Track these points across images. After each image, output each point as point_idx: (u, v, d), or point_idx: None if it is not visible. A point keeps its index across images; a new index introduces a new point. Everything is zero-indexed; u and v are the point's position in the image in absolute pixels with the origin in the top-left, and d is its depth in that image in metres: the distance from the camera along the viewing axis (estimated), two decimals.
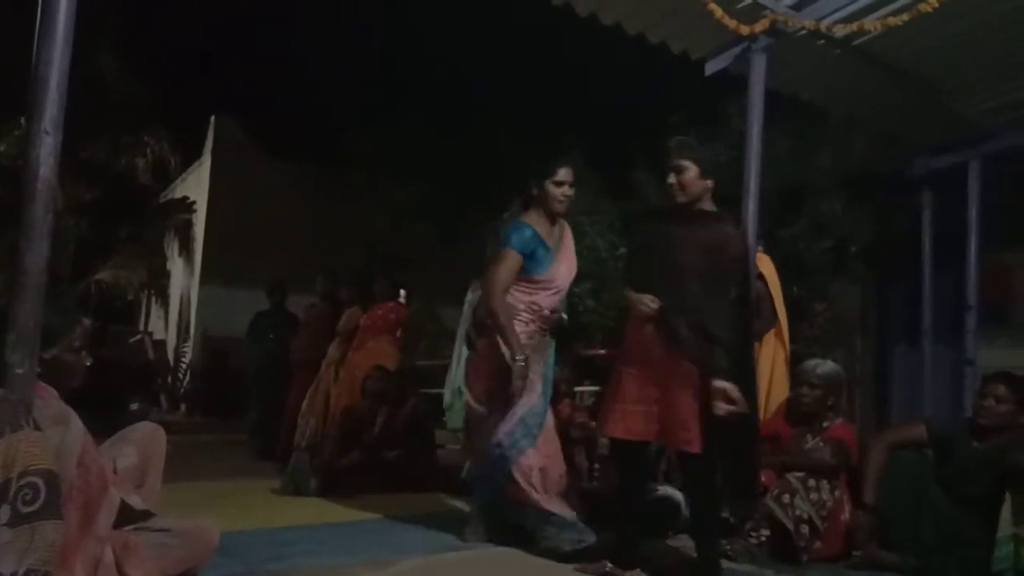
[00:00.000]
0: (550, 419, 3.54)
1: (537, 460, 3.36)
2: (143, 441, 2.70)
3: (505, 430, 3.35)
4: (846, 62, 4.56)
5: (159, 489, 2.73)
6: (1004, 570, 2.85)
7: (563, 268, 3.52)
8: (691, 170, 3.07)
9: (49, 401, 2.25)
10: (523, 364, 3.26)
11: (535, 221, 3.47)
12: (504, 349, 3.30)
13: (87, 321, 2.53)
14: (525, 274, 3.43)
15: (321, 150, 13.93)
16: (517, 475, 3.33)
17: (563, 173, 3.46)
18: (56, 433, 2.14)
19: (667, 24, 4.50)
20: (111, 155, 13.60)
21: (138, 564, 2.28)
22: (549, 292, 3.48)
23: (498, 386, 3.39)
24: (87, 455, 2.25)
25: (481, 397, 3.55)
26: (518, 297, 3.44)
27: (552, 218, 3.50)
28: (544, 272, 3.45)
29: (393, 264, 8.27)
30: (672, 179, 3.10)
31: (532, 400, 3.37)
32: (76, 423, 2.24)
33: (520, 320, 3.41)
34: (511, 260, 3.40)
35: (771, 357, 4.30)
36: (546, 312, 3.49)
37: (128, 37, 13.44)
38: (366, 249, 11.35)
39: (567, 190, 3.46)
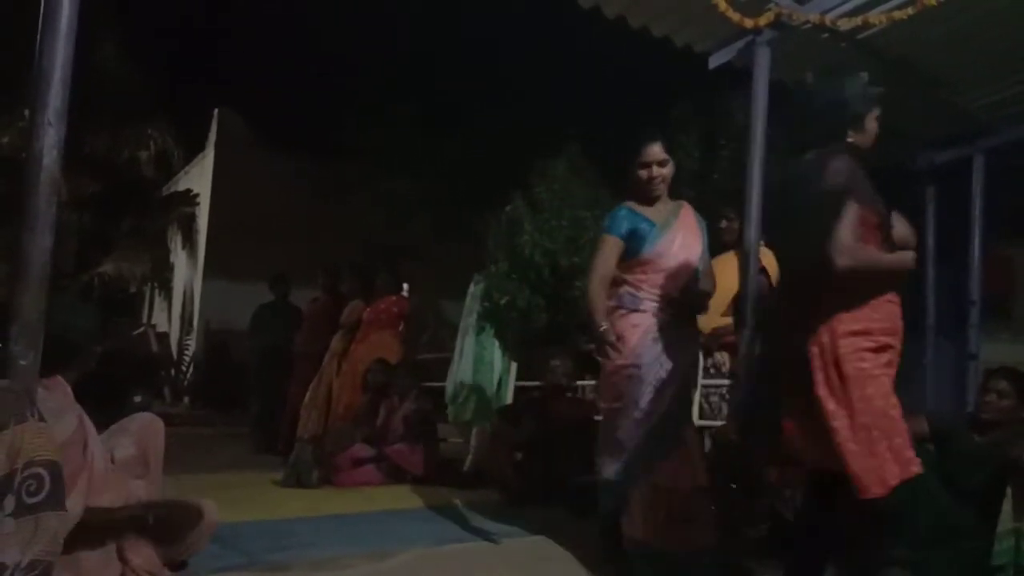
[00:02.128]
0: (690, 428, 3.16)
1: (666, 476, 2.99)
2: (140, 431, 2.71)
3: (635, 442, 3.01)
4: (850, 56, 4.54)
5: (161, 480, 2.73)
6: (1004, 564, 2.85)
7: (676, 244, 3.15)
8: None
9: (54, 393, 2.27)
10: (605, 328, 3.01)
11: (635, 201, 3.23)
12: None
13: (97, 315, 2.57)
14: (632, 255, 3.15)
15: (323, 144, 13.92)
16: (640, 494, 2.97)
17: (647, 153, 3.18)
18: (58, 423, 2.16)
19: (670, 17, 4.48)
20: (114, 148, 13.62)
21: (137, 550, 2.29)
22: (666, 271, 3.13)
23: (626, 388, 3.06)
24: (89, 447, 2.26)
25: (610, 400, 3.16)
26: (636, 283, 3.14)
27: (652, 200, 3.21)
28: (651, 248, 3.13)
29: (395, 257, 8.27)
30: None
31: (665, 406, 3.01)
32: (71, 416, 2.26)
33: (644, 308, 3.10)
34: (606, 245, 3.19)
35: None
36: (674, 294, 3.12)
37: (131, 29, 13.45)
38: (367, 242, 11.36)
39: (655, 169, 3.17)
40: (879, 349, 2.39)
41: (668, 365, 3.03)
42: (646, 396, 3.00)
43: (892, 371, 2.43)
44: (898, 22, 3.88)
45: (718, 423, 4.27)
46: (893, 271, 2.46)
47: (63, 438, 2.21)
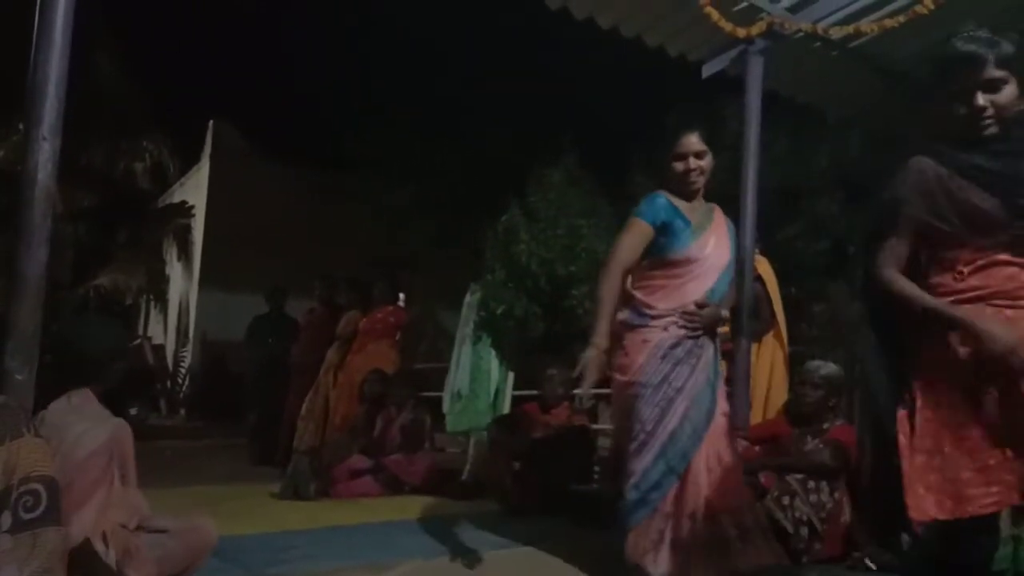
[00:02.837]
0: (713, 450, 2.78)
1: (673, 503, 2.75)
2: (113, 434, 2.71)
3: (643, 465, 2.77)
4: (842, 64, 4.57)
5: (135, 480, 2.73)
6: (1003, 571, 2.85)
7: (708, 249, 2.86)
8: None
9: (89, 404, 2.30)
10: (594, 354, 2.68)
11: (672, 196, 2.93)
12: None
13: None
14: (659, 252, 2.86)
15: (318, 155, 13.94)
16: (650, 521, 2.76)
17: (683, 143, 2.88)
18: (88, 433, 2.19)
19: (664, 27, 4.51)
20: (109, 160, 13.61)
21: (138, 566, 2.28)
22: (689, 278, 2.83)
23: (632, 407, 2.84)
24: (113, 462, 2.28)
25: (617, 418, 3.02)
26: (654, 285, 2.86)
27: (689, 196, 2.92)
28: (683, 249, 2.83)
29: (392, 267, 8.27)
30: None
31: (672, 426, 2.74)
32: (102, 428, 2.28)
33: (654, 324, 2.80)
34: (635, 228, 2.87)
35: (770, 358, 4.31)
36: (690, 304, 2.81)
37: (126, 42, 13.47)
38: (364, 253, 11.36)
39: (693, 161, 2.86)
40: None
41: (677, 384, 2.76)
42: (652, 417, 2.75)
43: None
44: (890, 30, 3.91)
45: None
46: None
47: (92, 447, 2.22)
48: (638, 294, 2.88)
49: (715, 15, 3.99)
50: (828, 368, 3.77)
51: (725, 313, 2.96)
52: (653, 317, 2.82)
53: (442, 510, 4.57)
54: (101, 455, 2.29)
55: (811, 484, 3.43)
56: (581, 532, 3.81)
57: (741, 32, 4.10)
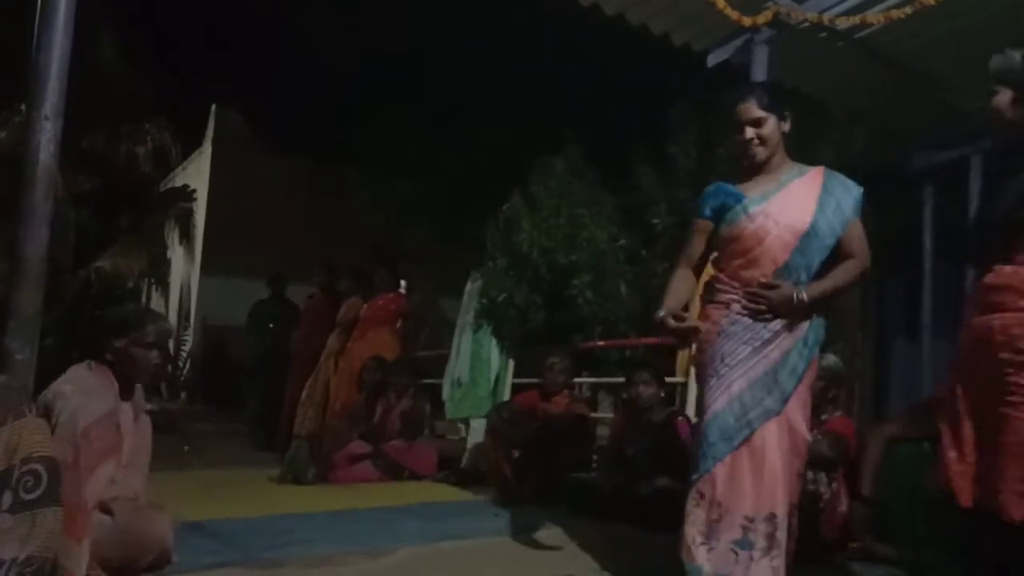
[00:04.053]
0: (760, 439, 2.49)
1: (712, 489, 2.49)
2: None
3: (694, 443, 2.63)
4: (848, 55, 4.56)
5: (147, 466, 2.73)
6: None
7: (767, 221, 2.58)
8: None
9: (98, 376, 2.30)
10: (661, 316, 2.59)
11: (742, 181, 2.71)
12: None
13: (165, 324, 2.63)
14: (719, 234, 2.70)
15: (322, 142, 13.91)
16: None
17: (738, 112, 2.65)
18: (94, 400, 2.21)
19: (669, 15, 4.49)
20: (111, 143, 13.58)
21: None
22: (751, 255, 2.60)
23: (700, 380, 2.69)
24: (92, 430, 2.28)
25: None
26: (723, 265, 2.70)
27: (756, 168, 2.67)
28: (734, 226, 2.64)
29: (393, 255, 8.28)
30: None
31: (718, 406, 2.53)
32: (109, 395, 2.32)
33: (720, 300, 2.63)
34: (694, 227, 2.79)
35: None
36: (753, 284, 2.57)
37: (129, 25, 13.42)
38: (366, 242, 11.36)
39: (748, 131, 2.62)
40: None
41: (732, 362, 2.53)
42: (708, 393, 2.58)
43: None
44: (896, 21, 3.89)
45: None
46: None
47: (98, 414, 2.27)
48: (716, 274, 2.74)
49: (721, 3, 3.98)
50: (828, 360, 3.76)
51: (806, 293, 2.51)
52: (718, 293, 2.66)
53: (440, 497, 4.59)
54: (108, 423, 2.32)
55: (809, 475, 3.44)
56: (579, 521, 3.82)
57: (747, 21, 4.09)
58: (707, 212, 2.72)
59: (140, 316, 2.62)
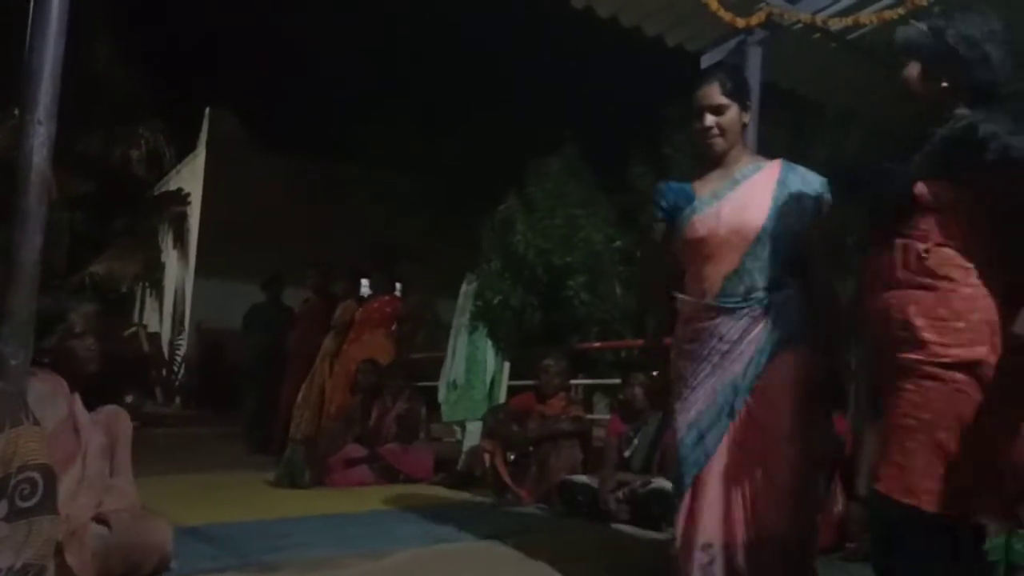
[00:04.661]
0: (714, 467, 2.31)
1: (709, 531, 2.28)
2: (107, 422, 2.70)
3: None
4: (842, 56, 4.56)
5: (130, 466, 2.71)
6: (995, 562, 2.86)
7: (719, 221, 2.38)
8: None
9: (44, 380, 2.28)
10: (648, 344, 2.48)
11: (698, 174, 2.54)
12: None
13: (88, 306, 2.56)
14: (676, 241, 2.50)
15: (318, 145, 13.92)
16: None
17: (696, 98, 2.43)
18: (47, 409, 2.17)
19: (662, 17, 4.49)
20: (105, 147, 13.56)
21: (77, 552, 2.26)
22: (695, 260, 2.44)
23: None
24: (82, 433, 2.27)
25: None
26: (682, 278, 2.51)
27: (715, 161, 2.46)
28: (684, 229, 2.45)
29: (389, 257, 8.27)
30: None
31: (681, 432, 2.39)
32: (61, 401, 2.30)
33: (682, 310, 2.46)
34: (651, 231, 2.58)
35: None
36: (706, 296, 2.39)
37: (124, 27, 13.39)
38: (363, 244, 11.37)
39: (708, 118, 2.40)
40: None
41: (693, 385, 2.37)
42: (677, 415, 2.43)
43: None
44: (889, 22, 3.89)
45: None
46: None
47: (53, 424, 2.23)
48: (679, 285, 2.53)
49: (714, 4, 3.98)
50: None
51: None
52: (681, 307, 2.48)
53: (437, 500, 4.59)
54: (66, 430, 2.30)
55: None
56: (575, 523, 3.82)
57: (740, 22, 4.09)
58: (659, 213, 2.54)
59: (60, 308, 2.54)
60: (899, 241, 1.84)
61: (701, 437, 2.34)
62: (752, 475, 2.26)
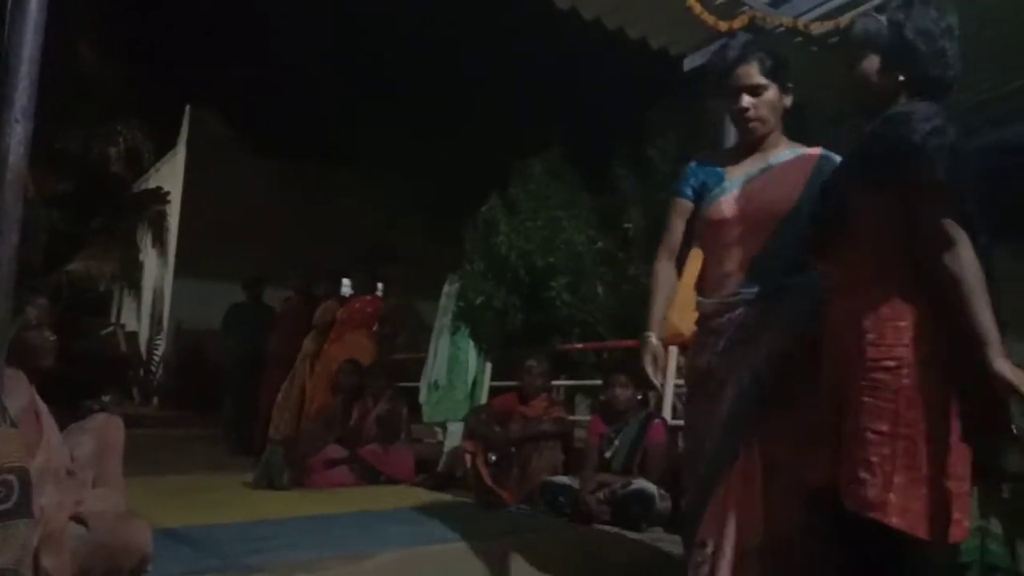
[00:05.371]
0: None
1: (705, 530, 2.17)
2: (99, 429, 2.66)
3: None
4: (823, 60, 4.60)
5: (121, 476, 2.67)
6: (970, 563, 2.89)
7: (738, 204, 2.28)
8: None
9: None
10: (646, 343, 2.31)
11: (725, 153, 2.47)
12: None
13: (43, 299, 2.54)
14: (700, 221, 2.39)
15: (301, 145, 13.83)
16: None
17: (734, 77, 2.29)
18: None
19: (646, 19, 4.51)
20: (83, 144, 13.41)
21: (54, 554, 2.23)
22: (718, 242, 2.32)
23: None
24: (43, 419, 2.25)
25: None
26: (704, 263, 2.41)
27: (752, 145, 2.34)
28: (709, 209, 2.34)
29: (371, 258, 8.25)
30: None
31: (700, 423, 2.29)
32: (23, 392, 2.27)
33: (705, 297, 2.36)
34: (672, 207, 2.45)
35: None
36: (726, 285, 2.28)
37: (105, 24, 13.24)
38: (346, 246, 11.33)
39: (745, 99, 2.27)
40: None
41: (719, 379, 2.22)
42: (692, 419, 2.31)
43: None
44: None
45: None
46: None
47: (16, 412, 2.20)
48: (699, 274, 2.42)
49: (697, 8, 4.00)
50: None
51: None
52: (703, 290, 2.37)
53: (418, 501, 4.57)
54: (28, 419, 2.26)
55: None
56: (556, 524, 3.82)
57: (723, 25, 4.11)
58: (688, 191, 2.41)
59: (16, 301, 2.53)
60: (849, 251, 1.85)
61: (727, 433, 2.17)
62: (769, 477, 2.10)
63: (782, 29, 4.21)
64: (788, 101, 2.33)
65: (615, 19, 4.51)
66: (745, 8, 4.15)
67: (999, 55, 4.43)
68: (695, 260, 4.38)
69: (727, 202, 2.30)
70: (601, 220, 6.16)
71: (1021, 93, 4.34)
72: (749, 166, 2.33)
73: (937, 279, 1.71)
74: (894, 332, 1.75)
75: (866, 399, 1.75)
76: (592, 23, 4.48)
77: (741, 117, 2.29)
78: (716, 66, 2.38)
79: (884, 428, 1.72)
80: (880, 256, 1.81)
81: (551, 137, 6.48)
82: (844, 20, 4.04)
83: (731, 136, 4.16)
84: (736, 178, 2.33)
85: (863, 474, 1.72)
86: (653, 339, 2.31)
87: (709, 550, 2.11)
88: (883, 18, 1.90)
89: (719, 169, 2.38)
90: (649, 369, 2.28)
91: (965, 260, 1.68)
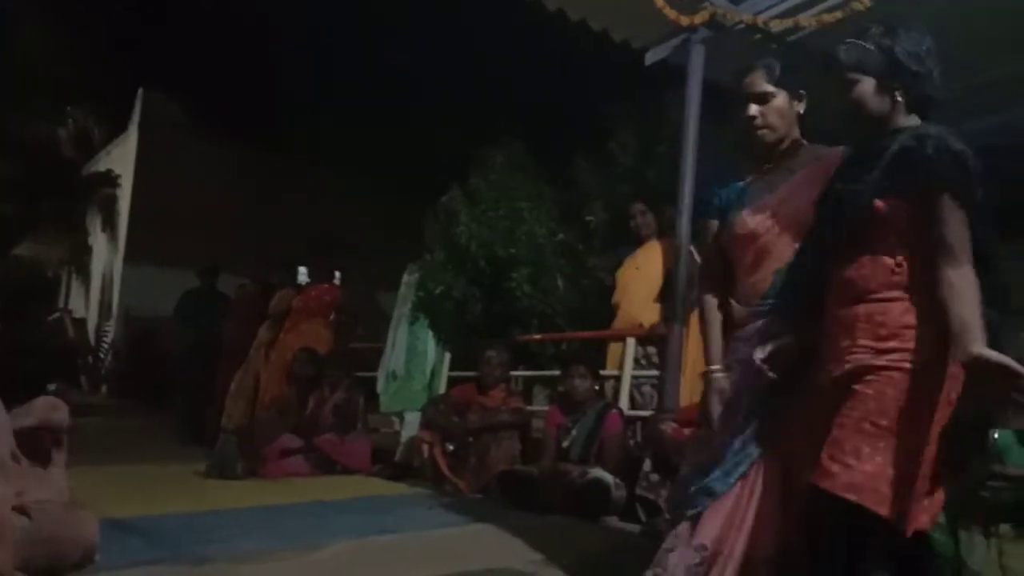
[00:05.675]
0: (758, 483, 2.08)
1: (705, 533, 2.09)
2: (42, 412, 2.59)
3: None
4: (782, 58, 4.65)
5: (64, 462, 2.61)
6: (946, 559, 2.92)
7: (759, 217, 2.24)
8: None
9: None
10: (718, 377, 2.25)
11: (751, 168, 2.39)
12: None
13: None
14: (727, 240, 2.35)
15: (257, 132, 13.56)
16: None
17: (745, 84, 2.28)
18: None
19: (609, 12, 4.53)
20: (32, 126, 13.02)
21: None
22: (744, 260, 2.28)
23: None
24: None
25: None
26: (735, 284, 2.34)
27: (765, 155, 2.31)
28: (732, 226, 2.30)
29: (328, 246, 8.16)
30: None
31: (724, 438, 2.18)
32: None
33: (737, 324, 2.30)
34: (704, 231, 2.44)
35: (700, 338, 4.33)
36: (756, 297, 2.23)
37: (56, 5, 12.85)
38: (302, 235, 11.17)
39: (752, 108, 2.25)
40: None
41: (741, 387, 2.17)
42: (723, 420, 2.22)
43: None
44: (828, 26, 3.99)
45: (647, 413, 4.36)
46: None
47: None
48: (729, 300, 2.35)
49: (659, 2, 4.03)
50: None
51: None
52: (735, 301, 2.32)
53: (374, 491, 4.54)
54: None
55: None
56: (514, 513, 3.83)
57: (684, 20, 4.14)
58: (713, 212, 2.39)
59: None
60: (868, 256, 1.89)
61: (746, 443, 2.12)
62: (780, 486, 2.06)
63: (742, 26, 4.25)
64: (801, 107, 2.30)
65: (578, 11, 4.52)
66: (706, 4, 4.19)
67: (945, 57, 4.53)
68: (656, 254, 4.39)
69: (749, 214, 2.27)
70: (562, 213, 6.15)
71: (994, 87, 4.42)
72: (770, 176, 2.31)
73: (938, 288, 1.78)
74: (907, 334, 1.82)
75: (870, 392, 1.82)
76: (555, 14, 4.48)
77: (750, 126, 2.27)
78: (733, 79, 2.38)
79: (884, 423, 1.78)
80: (907, 264, 1.88)
81: (512, 129, 6.46)
82: (802, 19, 4.10)
83: (691, 132, 4.23)
84: (758, 189, 2.31)
85: (851, 460, 1.77)
86: (720, 378, 2.25)
87: (709, 553, 2.07)
88: (871, 44, 1.95)
89: (740, 184, 2.37)
90: (715, 410, 2.22)
91: (969, 277, 1.76)
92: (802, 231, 2.14)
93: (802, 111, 2.30)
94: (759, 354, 2.05)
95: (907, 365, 1.80)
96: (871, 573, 1.79)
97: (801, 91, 2.30)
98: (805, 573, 1.95)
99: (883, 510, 1.74)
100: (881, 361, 1.82)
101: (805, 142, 2.31)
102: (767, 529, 2.03)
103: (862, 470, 1.76)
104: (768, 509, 2.04)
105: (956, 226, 1.79)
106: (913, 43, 1.94)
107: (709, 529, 2.08)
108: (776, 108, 2.25)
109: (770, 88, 2.25)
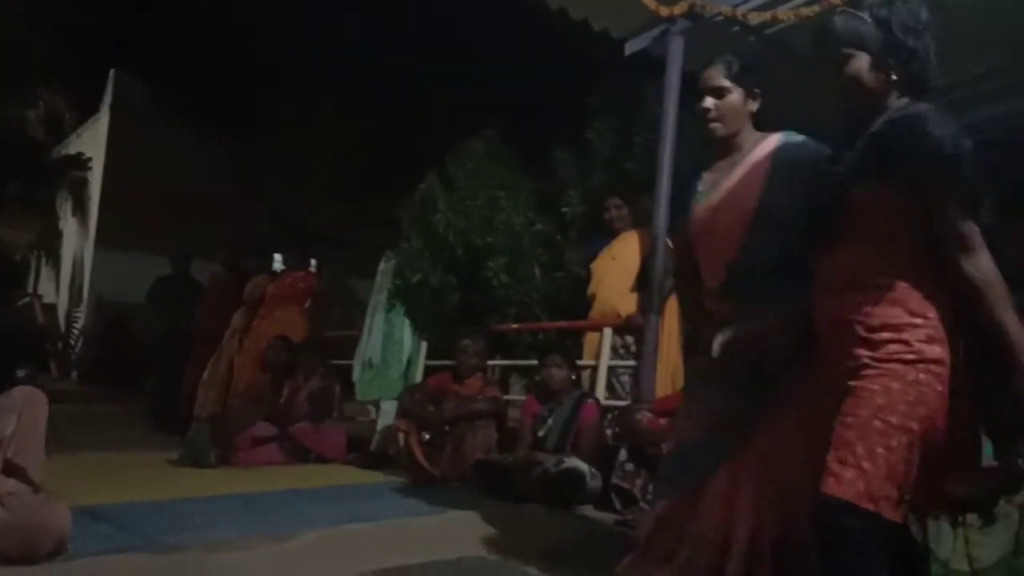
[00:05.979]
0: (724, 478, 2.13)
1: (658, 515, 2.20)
2: (23, 406, 2.55)
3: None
4: (760, 51, 4.68)
5: (42, 453, 2.57)
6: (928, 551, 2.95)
7: (708, 211, 2.29)
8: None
9: None
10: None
11: (709, 163, 2.41)
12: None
13: None
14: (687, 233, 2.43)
15: (233, 118, 13.35)
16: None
17: (703, 76, 2.34)
18: None
19: (589, 1, 4.52)
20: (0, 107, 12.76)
21: None
22: (700, 253, 2.35)
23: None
24: None
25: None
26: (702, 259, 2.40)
27: (723, 148, 2.34)
28: (692, 214, 2.36)
29: (303, 232, 8.10)
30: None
31: (682, 433, 2.27)
32: None
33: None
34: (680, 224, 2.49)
35: (674, 329, 4.35)
36: (712, 288, 2.28)
37: None
38: (277, 221, 11.06)
39: (708, 100, 2.29)
40: None
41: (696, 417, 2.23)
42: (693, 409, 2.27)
43: None
44: (806, 20, 4.00)
45: (623, 403, 4.37)
46: None
47: None
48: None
49: None
50: None
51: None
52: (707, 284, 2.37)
53: (349, 480, 4.53)
54: None
55: None
56: (489, 502, 3.84)
57: (664, 11, 4.14)
58: (680, 208, 2.43)
59: None
60: (853, 245, 1.83)
61: (710, 450, 2.15)
62: (760, 475, 2.09)
63: (720, 17, 4.26)
64: (754, 106, 2.34)
65: (557, 0, 4.50)
66: None
67: (962, 41, 4.55)
68: (633, 244, 4.39)
69: (700, 207, 2.32)
70: (540, 202, 6.13)
71: (984, 79, 4.44)
72: (720, 170, 2.34)
73: (959, 284, 1.73)
74: (912, 328, 1.75)
75: (876, 388, 1.75)
76: (534, 3, 4.46)
77: (703, 117, 2.31)
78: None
79: (894, 420, 1.72)
80: (894, 253, 1.81)
81: (487, 117, 6.43)
82: (780, 12, 4.11)
83: (670, 123, 4.23)
84: (708, 181, 2.35)
85: (865, 464, 1.70)
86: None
87: (706, 538, 2.09)
88: (867, 16, 1.86)
89: (702, 173, 2.39)
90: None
91: (986, 266, 1.70)
92: (747, 223, 2.18)
93: (755, 110, 2.34)
94: (718, 340, 2.08)
95: (908, 356, 1.74)
96: (875, 561, 1.73)
97: (756, 90, 2.33)
98: (809, 560, 1.90)
99: (896, 516, 1.71)
100: (879, 354, 1.76)
101: (754, 133, 2.33)
102: (774, 517, 2.03)
103: (876, 475, 1.70)
104: (764, 495, 2.05)
105: (951, 214, 1.72)
106: (910, 17, 1.85)
107: (712, 517, 2.09)
108: (730, 103, 2.29)
109: (726, 83, 2.29)
